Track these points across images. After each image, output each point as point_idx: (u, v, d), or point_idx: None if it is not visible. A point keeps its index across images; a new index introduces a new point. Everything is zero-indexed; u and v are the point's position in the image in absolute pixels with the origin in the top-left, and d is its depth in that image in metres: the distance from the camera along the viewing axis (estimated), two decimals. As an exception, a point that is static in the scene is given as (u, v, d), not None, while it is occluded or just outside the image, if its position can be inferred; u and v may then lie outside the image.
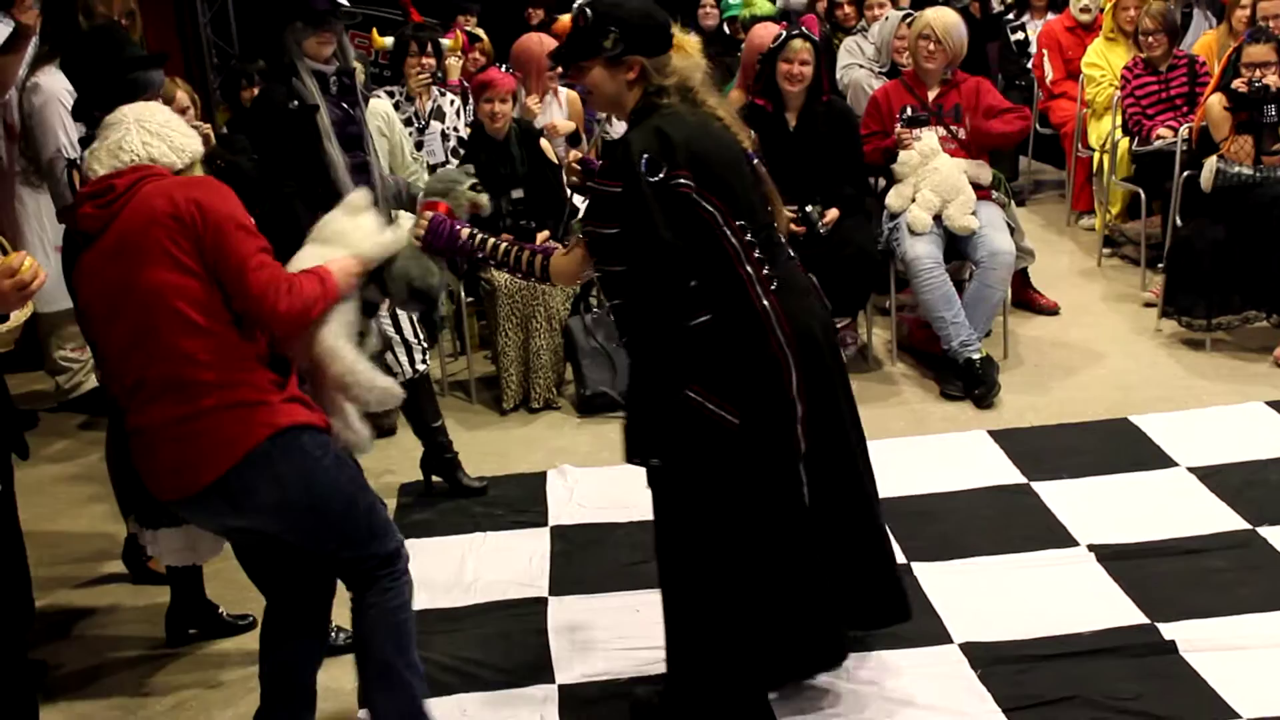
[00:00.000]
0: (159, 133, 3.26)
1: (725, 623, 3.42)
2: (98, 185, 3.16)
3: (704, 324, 3.26)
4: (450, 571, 4.57)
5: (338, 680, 3.97)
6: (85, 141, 3.81)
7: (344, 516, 3.27)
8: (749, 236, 3.30)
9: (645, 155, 3.19)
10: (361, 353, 3.37)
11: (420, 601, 4.35)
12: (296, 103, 4.70)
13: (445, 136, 6.60)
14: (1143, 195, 7.21)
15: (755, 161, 3.45)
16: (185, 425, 3.09)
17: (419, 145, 6.49)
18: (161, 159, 3.23)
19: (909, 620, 3.82)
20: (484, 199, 3.68)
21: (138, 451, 3.22)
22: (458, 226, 3.54)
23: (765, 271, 3.32)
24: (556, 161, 6.30)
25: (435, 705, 3.82)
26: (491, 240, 3.59)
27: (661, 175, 3.18)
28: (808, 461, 3.42)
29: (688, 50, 3.45)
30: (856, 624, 3.77)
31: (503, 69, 6.47)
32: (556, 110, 6.87)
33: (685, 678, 3.48)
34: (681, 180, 3.20)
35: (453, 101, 6.81)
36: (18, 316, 5.04)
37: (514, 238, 4.18)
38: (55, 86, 4.40)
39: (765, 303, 3.30)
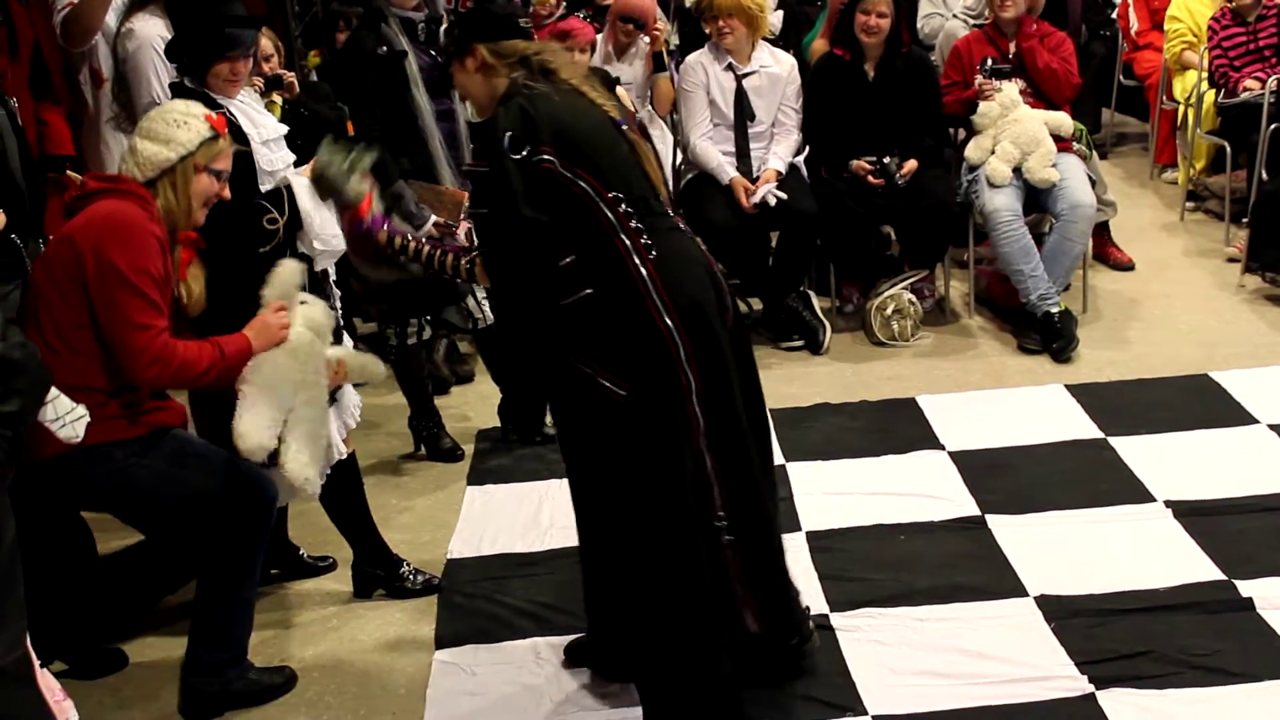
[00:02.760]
0: (142, 139, 3.49)
1: (656, 593, 3.33)
2: (99, 176, 3.53)
3: (585, 298, 3.24)
4: (526, 516, 4.62)
5: (418, 626, 4.04)
6: (175, 88, 3.86)
7: (175, 506, 3.53)
8: (624, 208, 3.24)
9: (509, 134, 3.18)
10: (289, 443, 3.64)
11: (497, 545, 4.47)
12: (385, 49, 4.74)
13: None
14: (1228, 148, 7.09)
15: (625, 129, 3.40)
16: None
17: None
18: (129, 171, 3.46)
19: (800, 642, 3.62)
20: (365, 162, 3.76)
21: None
22: (375, 231, 3.64)
23: (643, 240, 3.24)
24: (633, 110, 6.29)
25: (510, 648, 3.91)
26: (413, 245, 3.64)
27: (525, 153, 3.17)
28: (710, 438, 3.32)
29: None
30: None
31: (581, 17, 6.46)
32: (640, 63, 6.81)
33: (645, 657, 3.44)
34: (545, 157, 3.17)
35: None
36: None
37: (438, 237, 4.25)
38: (149, 32, 4.44)
39: (643, 271, 3.22)
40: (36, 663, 2.87)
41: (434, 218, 4.83)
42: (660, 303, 3.20)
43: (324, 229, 3.88)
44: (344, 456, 4.05)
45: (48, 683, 3.04)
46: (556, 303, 3.25)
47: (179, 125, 3.50)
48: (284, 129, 4.02)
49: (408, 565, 4.28)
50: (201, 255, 3.66)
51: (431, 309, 4.96)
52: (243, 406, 3.57)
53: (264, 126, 3.93)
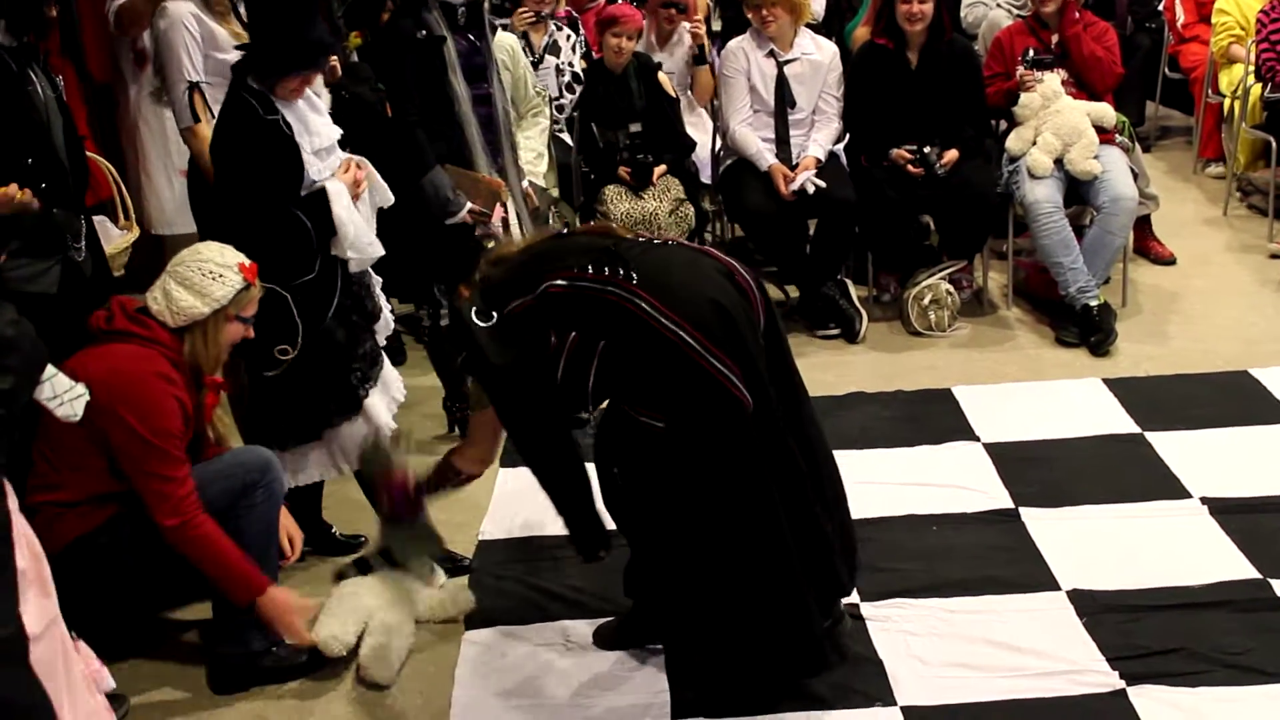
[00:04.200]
0: (177, 286, 3.54)
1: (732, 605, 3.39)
2: (128, 312, 3.53)
3: (603, 351, 3.34)
4: (558, 501, 4.63)
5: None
6: (237, 83, 3.86)
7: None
8: (590, 270, 3.26)
9: (473, 310, 3.32)
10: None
11: (529, 528, 4.46)
12: (424, 33, 4.75)
13: (560, 72, 6.60)
14: (1274, 143, 7.02)
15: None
16: None
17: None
18: (160, 313, 3.52)
19: (833, 624, 3.63)
20: (408, 463, 3.89)
21: None
22: (409, 491, 3.82)
23: (619, 274, 3.22)
24: (674, 95, 6.29)
25: (540, 630, 3.92)
26: (432, 479, 3.83)
27: (494, 319, 3.31)
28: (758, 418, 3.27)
29: None
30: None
31: (628, 1, 6.46)
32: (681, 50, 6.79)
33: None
34: (514, 305, 3.30)
35: (569, 37, 6.80)
36: (125, 238, 5.19)
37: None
38: (180, 11, 4.47)
39: (630, 296, 3.19)
40: (66, 635, 2.88)
41: (469, 204, 4.84)
42: (662, 316, 3.16)
43: (359, 238, 3.94)
44: (393, 431, 4.13)
45: (83, 652, 3.07)
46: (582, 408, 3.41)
47: (215, 278, 3.54)
48: (337, 133, 4.03)
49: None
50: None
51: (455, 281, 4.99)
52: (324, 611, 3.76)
53: (319, 134, 3.92)
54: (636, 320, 3.19)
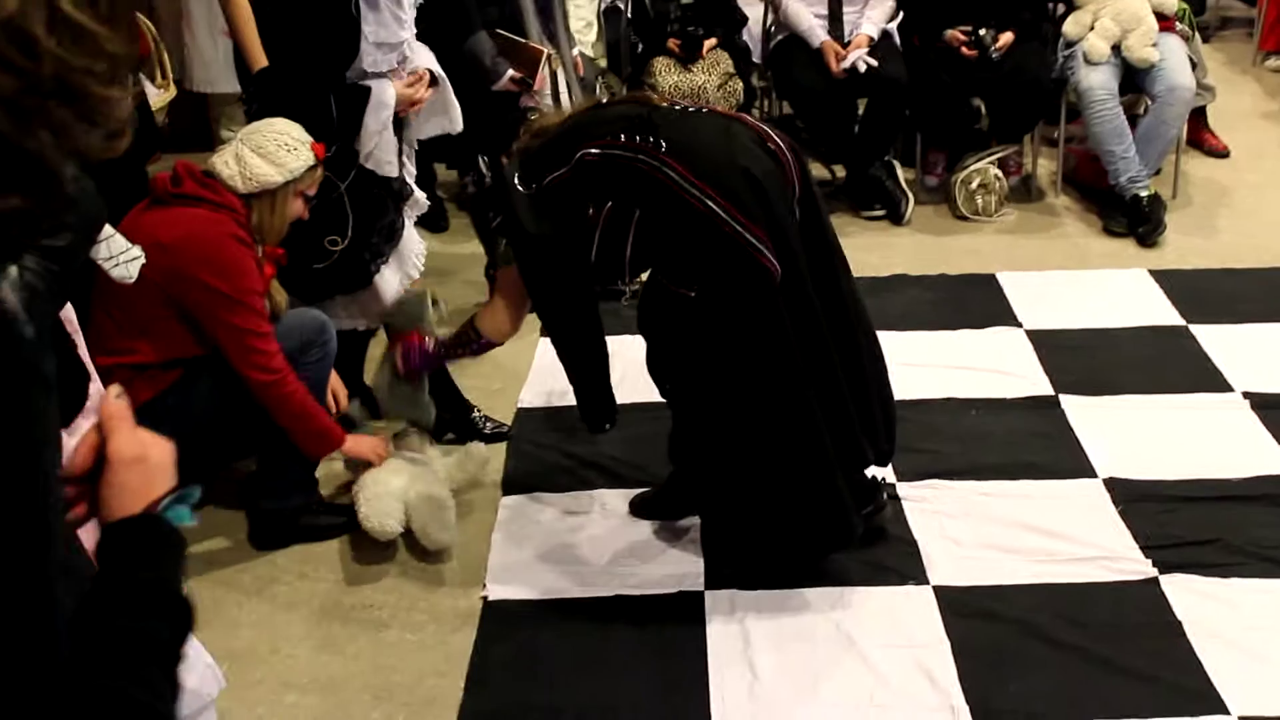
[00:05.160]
0: (252, 153, 3.51)
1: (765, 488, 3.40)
2: (196, 176, 3.49)
3: (639, 221, 3.29)
4: (598, 371, 4.64)
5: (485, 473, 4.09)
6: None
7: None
8: (622, 138, 3.22)
9: (516, 174, 3.34)
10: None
11: (568, 398, 4.44)
12: None
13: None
14: (1336, 36, 6.89)
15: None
16: None
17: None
18: (230, 178, 3.50)
19: (874, 511, 3.66)
20: (442, 329, 3.92)
21: None
22: (427, 348, 3.84)
23: (649, 141, 3.19)
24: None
25: (576, 498, 3.96)
26: (451, 340, 3.85)
27: (535, 186, 3.30)
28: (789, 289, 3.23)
29: None
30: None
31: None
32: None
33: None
34: (553, 177, 3.28)
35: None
36: (162, 97, 5.16)
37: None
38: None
39: (661, 166, 3.16)
40: None
41: (510, 72, 4.78)
42: (690, 185, 3.13)
43: (378, 155, 3.91)
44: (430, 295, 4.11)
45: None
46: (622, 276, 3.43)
47: (290, 150, 3.52)
48: (410, 35, 3.92)
49: (478, 411, 4.33)
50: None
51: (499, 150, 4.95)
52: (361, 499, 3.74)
53: (386, 28, 3.81)
54: (664, 189, 3.16)
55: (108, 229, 2.90)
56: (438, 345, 3.86)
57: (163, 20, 6.02)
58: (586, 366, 3.51)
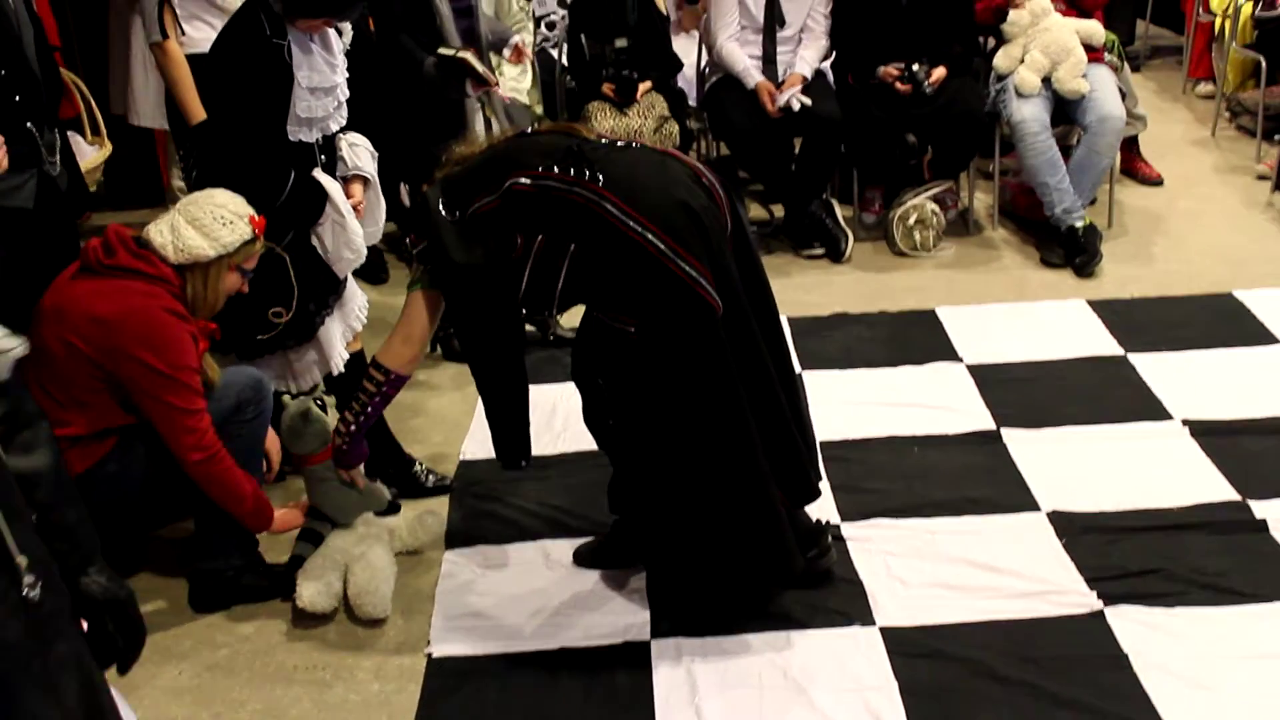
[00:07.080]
0: (186, 224, 3.46)
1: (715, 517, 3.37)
2: (129, 246, 3.43)
3: (574, 255, 3.25)
4: (540, 420, 4.59)
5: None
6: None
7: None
8: (555, 170, 3.20)
9: (440, 200, 3.28)
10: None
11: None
12: None
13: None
14: (1264, 63, 6.97)
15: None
16: None
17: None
18: (163, 247, 3.44)
19: (819, 555, 3.65)
20: (329, 422, 3.76)
21: None
22: (342, 445, 3.62)
23: (585, 174, 3.18)
24: (665, 13, 6.21)
25: (520, 549, 3.93)
26: (355, 412, 3.58)
27: (459, 213, 3.26)
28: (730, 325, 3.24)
29: None
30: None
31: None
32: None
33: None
34: (479, 205, 3.24)
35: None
36: (98, 155, 5.09)
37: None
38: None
39: (596, 198, 3.15)
40: None
41: (469, 90, 4.80)
42: (629, 219, 3.12)
43: (338, 250, 3.95)
44: (344, 361, 4.08)
45: None
46: (550, 288, 3.31)
47: (225, 224, 3.47)
48: (341, 80, 3.91)
49: (420, 464, 4.29)
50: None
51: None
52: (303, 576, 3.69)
53: (319, 73, 3.81)
54: (603, 223, 3.14)
55: None
56: (349, 433, 3.62)
57: (114, 52, 5.93)
58: (506, 400, 3.42)
